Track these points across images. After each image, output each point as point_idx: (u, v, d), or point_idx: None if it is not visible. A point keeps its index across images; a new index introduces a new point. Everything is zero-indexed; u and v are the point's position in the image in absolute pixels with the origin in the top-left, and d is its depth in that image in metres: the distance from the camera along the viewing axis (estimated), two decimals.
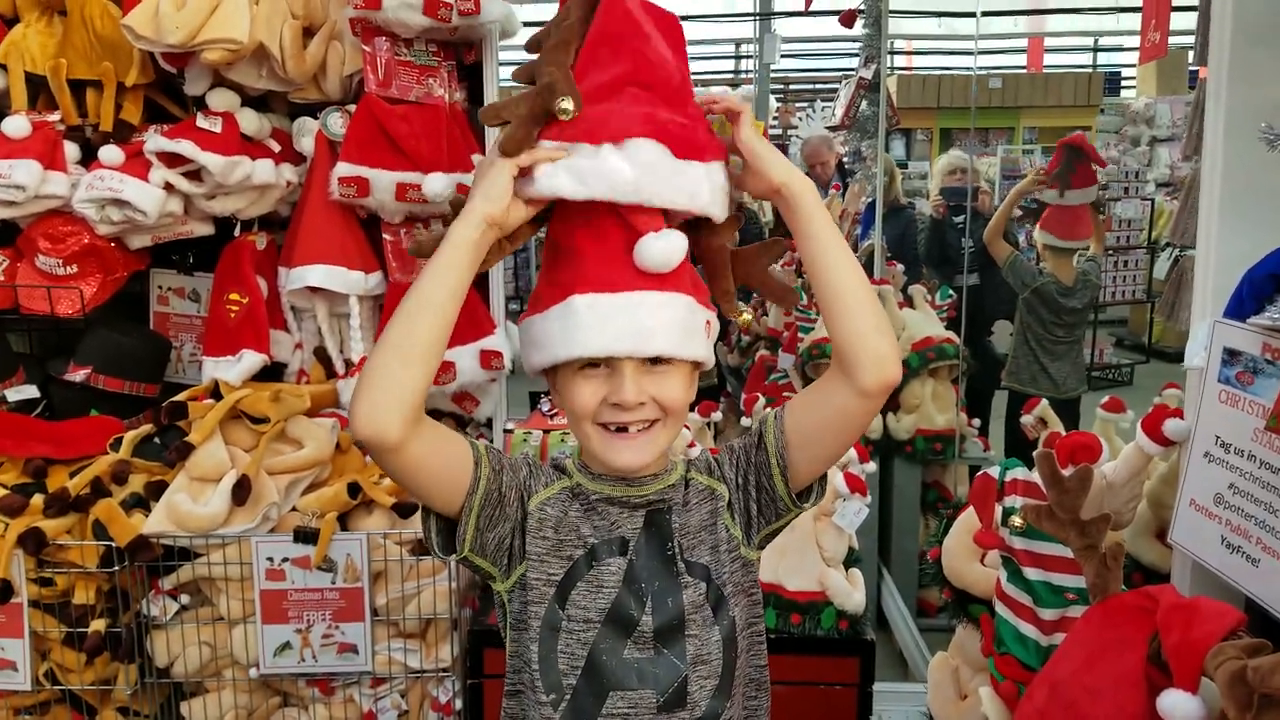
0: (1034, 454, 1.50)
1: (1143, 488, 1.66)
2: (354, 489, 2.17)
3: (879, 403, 1.15)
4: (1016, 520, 1.47)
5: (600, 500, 1.20)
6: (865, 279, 1.16)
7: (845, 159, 7.06)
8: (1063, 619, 1.52)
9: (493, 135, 2.43)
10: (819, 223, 1.15)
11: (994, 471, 1.67)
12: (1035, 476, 1.58)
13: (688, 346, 1.14)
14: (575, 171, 1.09)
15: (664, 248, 1.11)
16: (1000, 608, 1.60)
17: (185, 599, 2.20)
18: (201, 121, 2.27)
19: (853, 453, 2.35)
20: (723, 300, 1.23)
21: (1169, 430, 1.49)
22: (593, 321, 1.09)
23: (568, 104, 1.09)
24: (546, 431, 2.66)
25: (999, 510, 1.62)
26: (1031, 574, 1.54)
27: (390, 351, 1.06)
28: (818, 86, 14.50)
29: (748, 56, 13.65)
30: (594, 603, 1.16)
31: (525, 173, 1.11)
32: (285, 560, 2.11)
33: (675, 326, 1.12)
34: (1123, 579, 1.29)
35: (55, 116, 2.32)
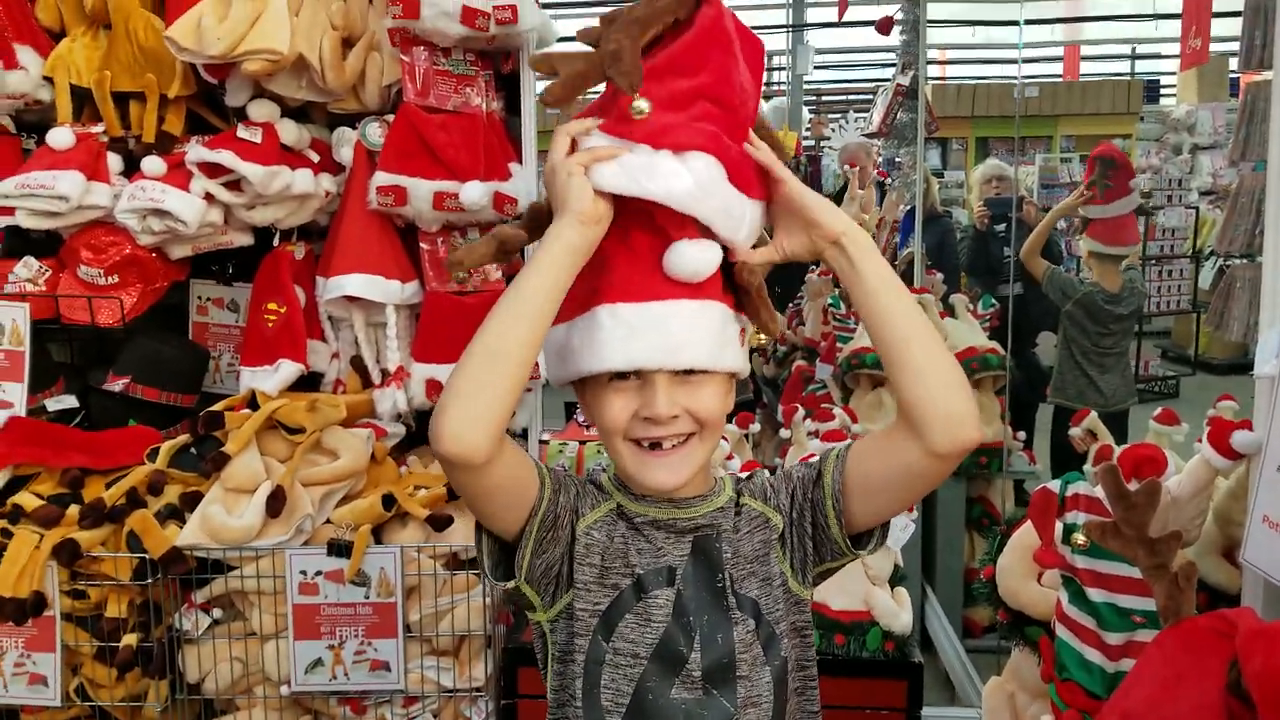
0: (1095, 468, 1.44)
1: (1209, 503, 1.59)
2: (389, 501, 2.14)
3: (953, 464, 1.07)
4: (1079, 538, 1.41)
5: (646, 524, 1.14)
6: (934, 330, 1.08)
7: (880, 167, 7.00)
8: (1129, 643, 1.45)
9: (529, 141, 2.44)
10: (879, 272, 1.07)
11: (1054, 486, 1.60)
12: (1098, 491, 1.51)
13: (722, 357, 1.08)
14: (629, 169, 1.04)
15: (697, 255, 1.06)
16: (1061, 630, 1.54)
17: (218, 613, 2.17)
18: (242, 132, 2.27)
19: None
20: (753, 318, 1.17)
21: (1238, 443, 1.42)
22: (621, 333, 1.04)
23: (643, 104, 1.02)
24: (582, 443, 2.63)
25: (1059, 527, 1.56)
26: (1095, 595, 1.47)
27: (484, 362, 1.00)
28: (850, 97, 14.43)
29: (780, 69, 13.63)
30: (642, 637, 1.11)
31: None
32: (318, 574, 2.09)
33: (708, 337, 1.07)
34: None
35: (99, 128, 2.34)
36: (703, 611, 1.12)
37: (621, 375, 1.07)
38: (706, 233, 1.08)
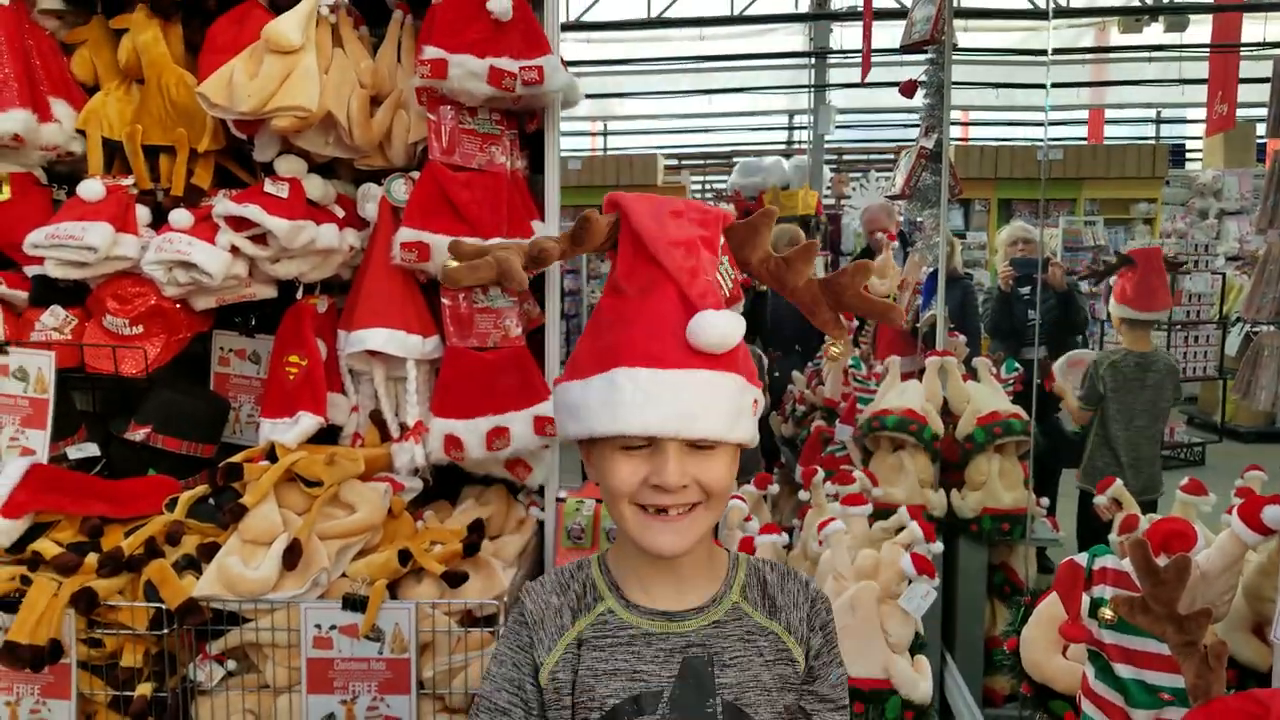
0: (1122, 537, 1.41)
1: (1238, 578, 1.55)
2: (404, 556, 2.13)
3: None
4: (1107, 613, 1.38)
5: (637, 636, 1.11)
6: None
7: (902, 229, 7.01)
8: None
9: (553, 199, 2.47)
10: None
11: (1081, 559, 1.57)
12: (1126, 565, 1.48)
13: (735, 429, 1.07)
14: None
15: (723, 327, 1.04)
16: (1087, 706, 1.49)
17: (232, 665, 2.16)
18: (269, 187, 2.31)
19: (919, 532, 2.26)
20: (826, 329, 1.16)
21: (1269, 518, 1.40)
22: (637, 399, 1.02)
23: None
24: (599, 500, 2.61)
25: (1086, 600, 1.52)
26: (1123, 671, 1.43)
27: None
28: (871, 156, 14.59)
29: (802, 128, 13.81)
30: None
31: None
32: (333, 628, 2.07)
33: (724, 408, 1.05)
34: None
35: (129, 180, 2.38)
36: None
37: (633, 444, 1.05)
38: (730, 301, 1.08)
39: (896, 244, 5.47)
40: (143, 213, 2.35)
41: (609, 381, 1.04)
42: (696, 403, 1.03)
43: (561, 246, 1.12)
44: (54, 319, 2.35)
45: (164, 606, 2.04)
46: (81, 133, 2.39)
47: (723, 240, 1.12)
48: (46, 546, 2.11)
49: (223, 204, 2.28)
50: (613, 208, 1.11)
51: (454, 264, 1.08)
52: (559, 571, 1.20)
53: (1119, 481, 2.47)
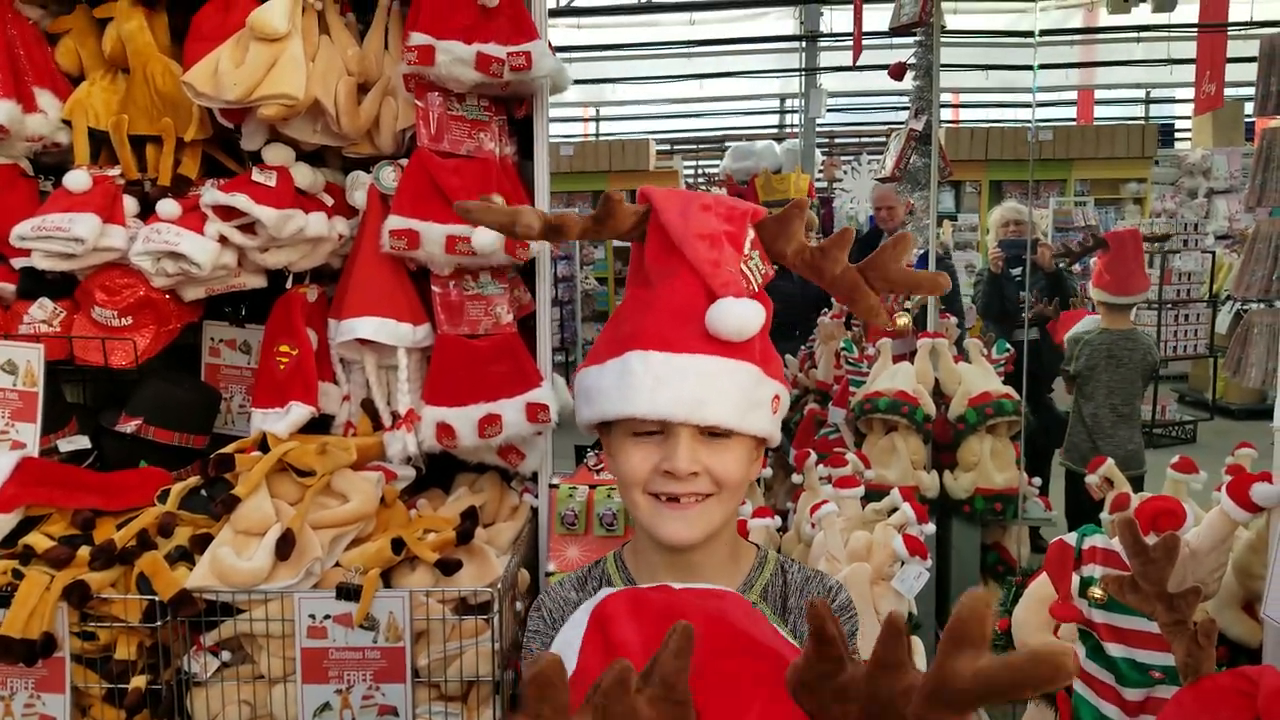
0: (1113, 517, 1.42)
1: (1228, 555, 1.56)
2: (398, 544, 2.13)
3: None
4: (1097, 592, 1.38)
5: None
6: None
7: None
8: (1148, 699, 1.42)
9: (542, 186, 2.46)
10: None
11: (1070, 539, 1.58)
12: (1115, 544, 1.49)
13: (749, 419, 1.05)
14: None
15: (743, 314, 1.02)
16: (1079, 685, 1.51)
17: (226, 656, 2.16)
18: (257, 175, 2.30)
19: (911, 514, 2.27)
20: (870, 316, 1.13)
21: (1258, 495, 1.40)
22: (647, 382, 1.01)
23: None
24: (592, 487, 2.61)
25: (1076, 580, 1.53)
26: (1113, 650, 1.44)
27: None
28: (863, 140, 14.58)
29: (793, 111, 13.79)
30: None
31: None
32: (327, 617, 2.07)
33: (736, 396, 1.03)
34: None
35: (115, 171, 2.36)
36: None
37: (646, 430, 1.05)
38: (751, 293, 1.06)
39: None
40: (130, 203, 2.33)
41: (622, 364, 1.04)
42: (708, 389, 1.02)
43: (583, 225, 1.11)
44: (42, 311, 2.34)
45: (157, 598, 2.03)
46: (67, 123, 2.37)
47: (753, 234, 1.11)
48: (38, 540, 2.10)
49: (210, 193, 2.26)
50: (644, 200, 1.11)
51: (472, 203, 1.09)
52: (578, 571, 1.19)
53: (1110, 461, 2.48)
